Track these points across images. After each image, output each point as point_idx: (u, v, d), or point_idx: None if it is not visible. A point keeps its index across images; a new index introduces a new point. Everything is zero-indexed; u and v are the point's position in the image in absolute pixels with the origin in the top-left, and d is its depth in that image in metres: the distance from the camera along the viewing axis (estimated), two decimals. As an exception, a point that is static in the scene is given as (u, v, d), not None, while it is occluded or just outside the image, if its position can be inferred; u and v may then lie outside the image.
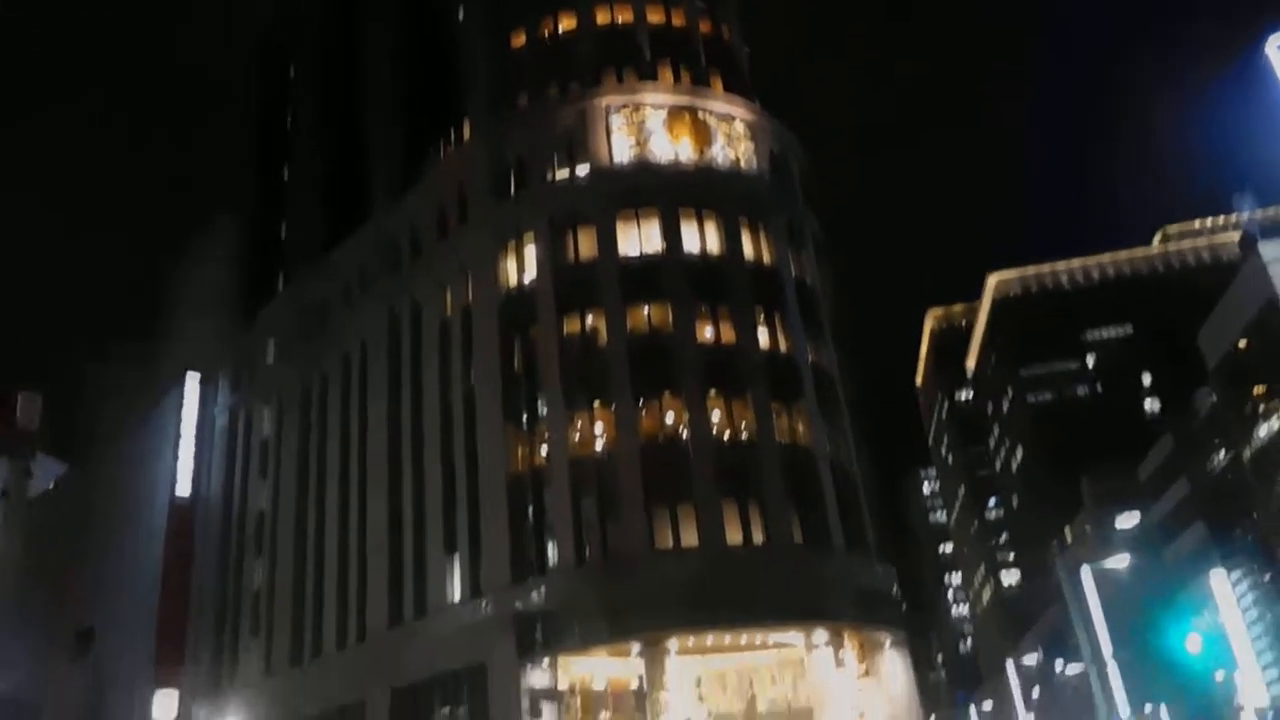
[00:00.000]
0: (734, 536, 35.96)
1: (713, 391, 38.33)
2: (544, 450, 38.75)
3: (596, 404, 38.50)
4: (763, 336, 40.10)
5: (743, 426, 38.36)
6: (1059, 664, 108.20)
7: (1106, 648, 40.57)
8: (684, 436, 37.64)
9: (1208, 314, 74.70)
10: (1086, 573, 44.10)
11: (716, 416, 38.29)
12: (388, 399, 45.08)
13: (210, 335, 61.90)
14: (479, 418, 40.28)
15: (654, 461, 36.72)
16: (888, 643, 39.14)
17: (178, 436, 57.85)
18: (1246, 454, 69.37)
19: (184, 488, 56.30)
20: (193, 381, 58.91)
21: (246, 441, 54.77)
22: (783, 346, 40.42)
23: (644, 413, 38.14)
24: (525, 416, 39.33)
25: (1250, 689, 70.18)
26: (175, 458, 57.14)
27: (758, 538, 36.22)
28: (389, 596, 41.48)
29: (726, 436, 38.04)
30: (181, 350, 64.08)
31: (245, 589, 50.89)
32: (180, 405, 58.86)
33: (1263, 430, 67.16)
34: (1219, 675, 72.25)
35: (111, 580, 62.57)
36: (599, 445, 38.18)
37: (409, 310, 45.66)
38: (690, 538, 35.70)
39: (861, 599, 37.28)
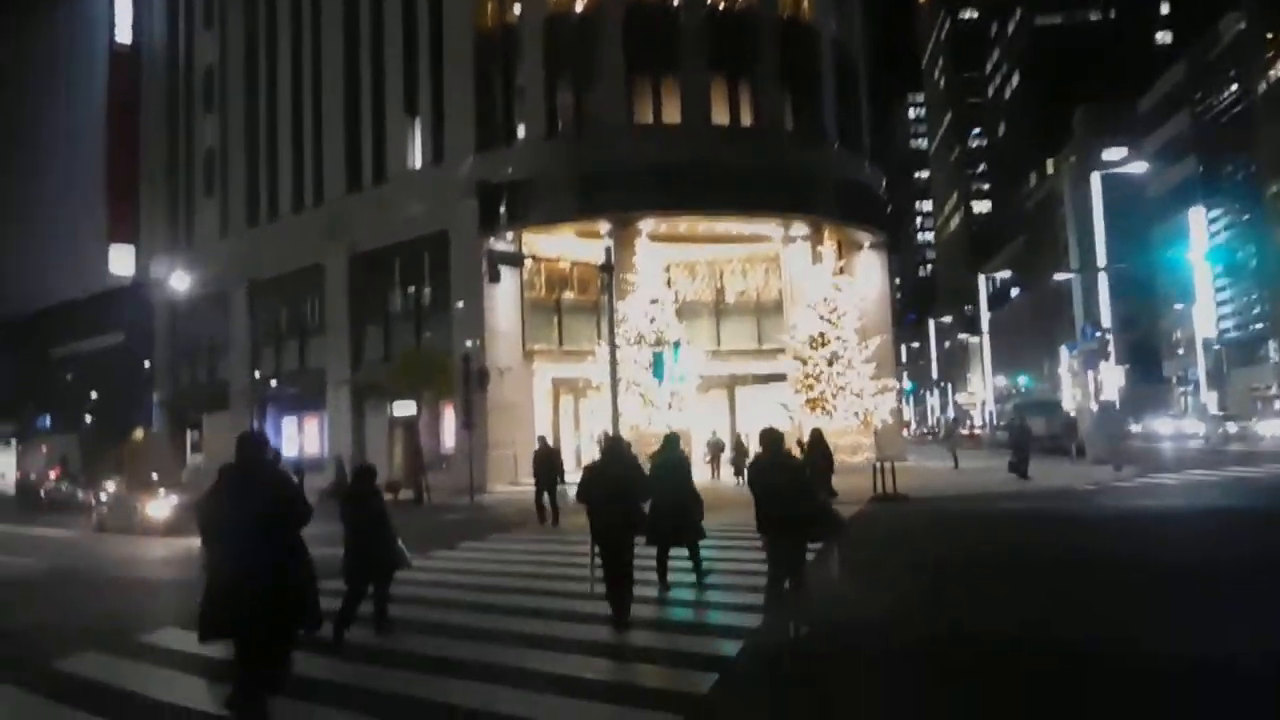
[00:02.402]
0: (720, 116, 33.17)
1: (711, -49, 33.79)
2: (516, 8, 34.70)
3: (578, -44, 34.00)
4: (772, -114, 34.82)
5: (741, -5, 34.30)
6: (1014, 290, 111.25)
7: (1103, 259, 39.73)
8: (674, 2, 33.60)
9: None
10: (1096, 180, 42.32)
11: (713, -19, 34.08)
12: (342, -63, 39.82)
13: None
14: (444, -35, 35.65)
15: (639, 27, 32.89)
16: (867, 244, 37.89)
17: (111, -24, 52.14)
18: (1262, 87, 66.01)
19: (124, 34, 51.49)
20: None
21: (189, -14, 49.35)
22: (794, -101, 35.30)
23: (631, -31, 33.74)
24: (498, -34, 34.84)
25: (1203, 320, 72.16)
26: (113, 2, 51.79)
27: (746, 119, 33.47)
28: (346, 160, 38.95)
29: (722, 5, 34.04)
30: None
31: (196, 147, 47.99)
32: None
33: (1287, 60, 63.40)
34: (1179, 306, 74.13)
35: (50, 136, 59.30)
36: (579, 4, 34.10)
37: None
38: (673, 114, 32.87)
39: (847, 195, 35.35)
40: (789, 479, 8.64)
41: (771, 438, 8.96)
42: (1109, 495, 21.44)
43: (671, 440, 12.22)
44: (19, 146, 60.90)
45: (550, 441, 22.14)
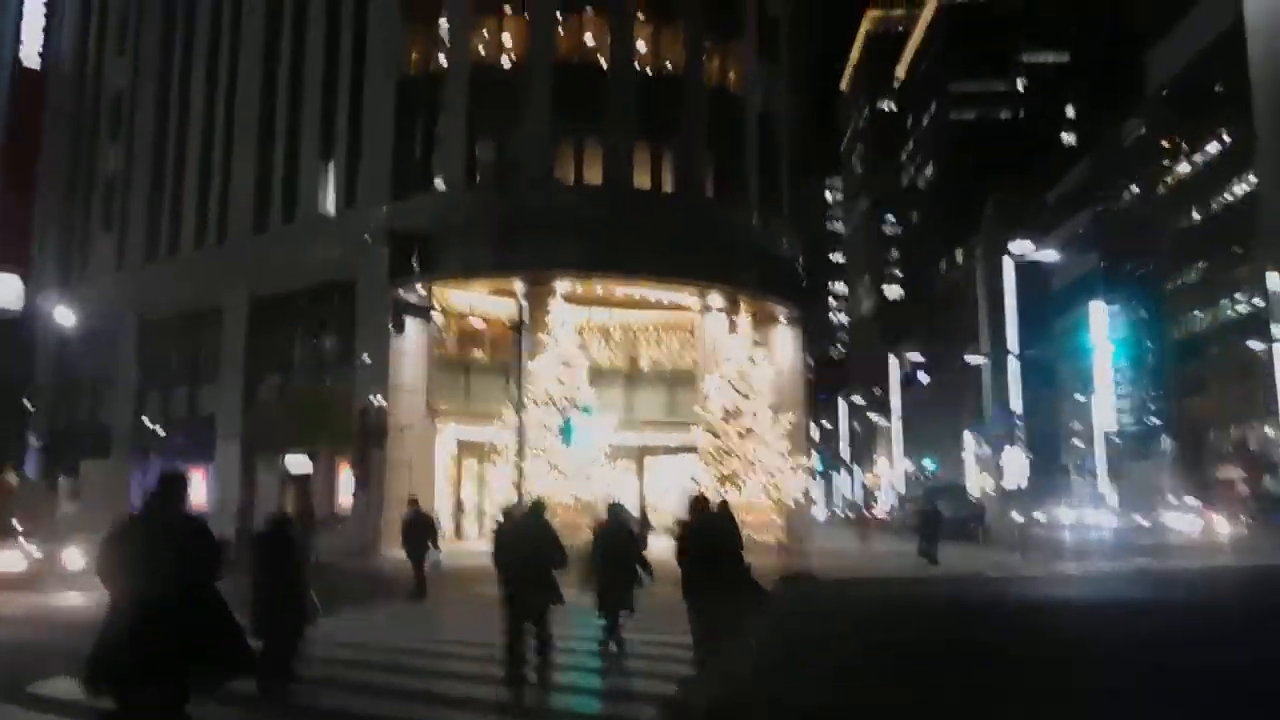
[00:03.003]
0: (642, 179, 32.80)
1: (641, 15, 33.70)
2: (441, 57, 34.09)
3: (508, 9, 33.61)
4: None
5: (669, 61, 34.18)
6: (922, 375, 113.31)
7: (1014, 344, 40.39)
8: (603, 62, 33.35)
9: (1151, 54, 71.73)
10: (1009, 266, 43.21)
11: (642, 45, 33.91)
12: (267, -28, 38.88)
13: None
14: (371, 8, 34.88)
15: (565, 84, 32.48)
16: (783, 318, 37.68)
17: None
18: (1161, 188, 68.77)
19: (31, 55, 49.29)
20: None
21: (103, 9, 47.72)
22: (726, -26, 35.56)
23: (561, 27, 33.46)
24: (426, 13, 34.17)
25: (1102, 412, 74.01)
26: (20, 18, 49.62)
27: (668, 185, 33.17)
28: (255, 199, 37.52)
29: (650, 69, 33.90)
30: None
31: (98, 175, 45.94)
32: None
33: (1184, 165, 66.15)
34: (1079, 397, 76.00)
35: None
36: (506, 57, 33.63)
37: None
38: (594, 174, 32.40)
39: (766, 267, 35.10)
40: (717, 545, 8.68)
41: (700, 504, 9.28)
42: (1020, 585, 20.97)
43: (615, 509, 12.13)
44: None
45: (423, 505, 20.01)
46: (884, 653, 11.96)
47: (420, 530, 18.07)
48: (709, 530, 8.87)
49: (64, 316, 36.96)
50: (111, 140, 45.35)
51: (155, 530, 5.94)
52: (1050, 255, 49.79)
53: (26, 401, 48.17)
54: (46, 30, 49.68)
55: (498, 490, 31.64)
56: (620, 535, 11.50)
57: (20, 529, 25.20)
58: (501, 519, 11.94)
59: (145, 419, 39.52)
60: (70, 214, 47.08)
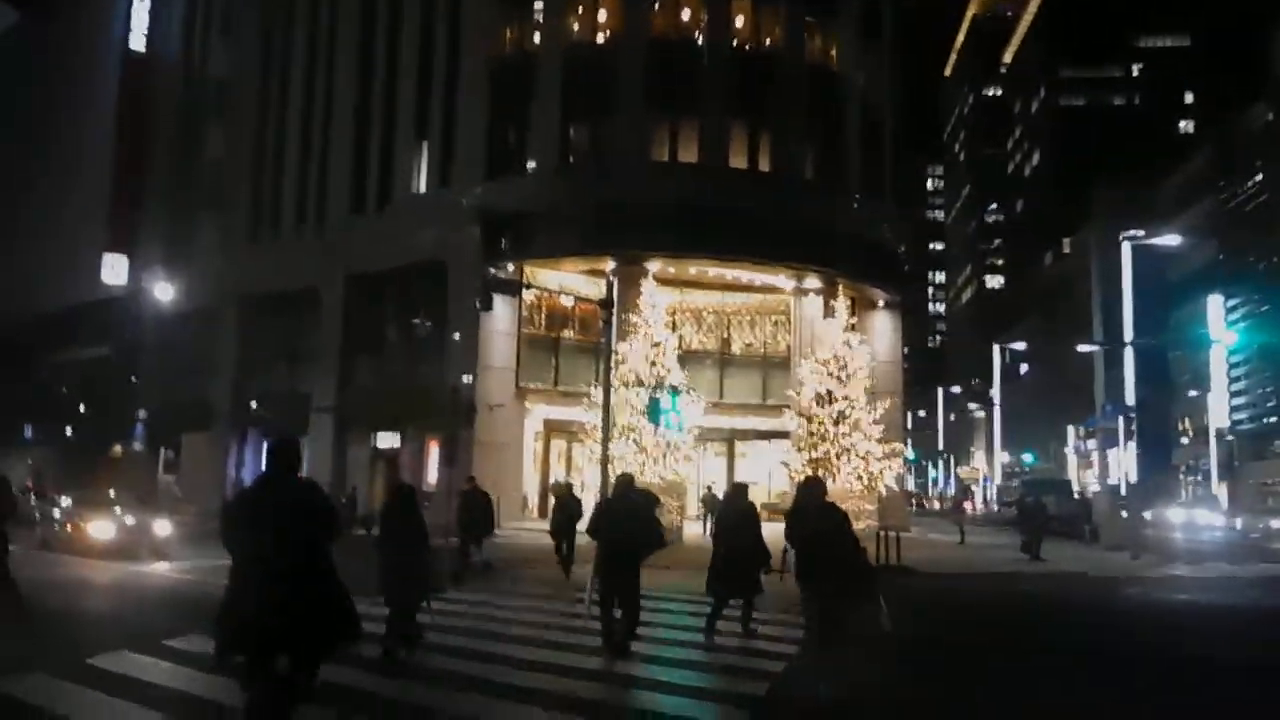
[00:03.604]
0: (738, 159, 31.98)
1: (739, -10, 32.90)
2: (535, 36, 33.76)
3: (602, -13, 33.13)
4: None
5: (767, 38, 33.24)
6: (1022, 367, 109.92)
7: (1129, 332, 38.52)
8: (699, 40, 32.61)
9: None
10: (1126, 249, 41.18)
11: (740, 22, 33.05)
12: (363, -40, 39.08)
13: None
14: (465, -11, 34.82)
15: (660, 63, 31.91)
16: (881, 303, 36.52)
17: (131, -13, 51.51)
18: (1290, 175, 65.01)
19: (138, 40, 50.75)
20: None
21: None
22: (827, -52, 34.48)
23: (656, 5, 32.82)
24: (519, -8, 34.00)
25: (1217, 410, 70.46)
26: (129, 8, 51.14)
27: (765, 165, 32.29)
28: (352, 181, 37.85)
29: (747, 47, 33.02)
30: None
31: (201, 159, 47.01)
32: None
33: (1317, 151, 62.37)
34: (1192, 393, 72.58)
35: (57, 140, 58.46)
36: (600, 36, 33.14)
37: None
38: (689, 154, 31.75)
39: (865, 251, 33.97)
40: (832, 529, 8.31)
41: (811, 488, 8.88)
42: (1134, 585, 19.71)
43: (741, 489, 12.14)
44: (24, 149, 59.98)
45: (480, 483, 18.89)
46: (988, 654, 11.15)
47: (478, 510, 17.49)
48: (822, 516, 8.47)
49: (164, 293, 37.81)
50: (214, 124, 46.31)
51: (274, 494, 6.04)
52: (1172, 240, 47.05)
53: (134, 377, 49.75)
54: (153, 17, 51.10)
55: (585, 471, 31.38)
56: (732, 515, 11.42)
57: (116, 497, 25.79)
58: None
59: (244, 395, 40.29)
60: (175, 195, 48.29)
